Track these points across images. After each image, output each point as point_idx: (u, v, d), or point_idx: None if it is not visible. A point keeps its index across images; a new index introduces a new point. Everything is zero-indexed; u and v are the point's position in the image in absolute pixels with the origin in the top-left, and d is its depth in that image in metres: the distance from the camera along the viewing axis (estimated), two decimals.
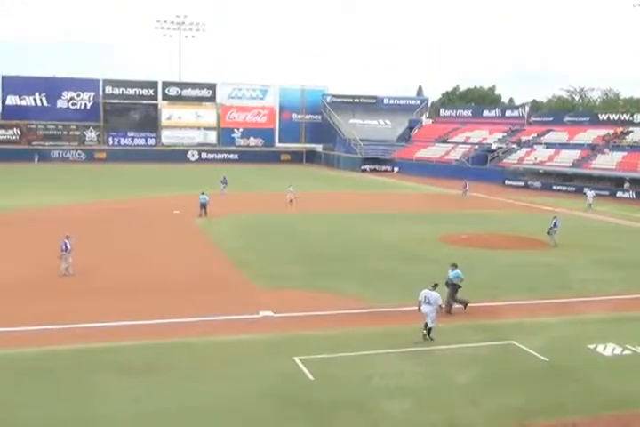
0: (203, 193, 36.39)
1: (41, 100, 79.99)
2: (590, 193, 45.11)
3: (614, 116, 66.79)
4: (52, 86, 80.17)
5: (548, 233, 29.45)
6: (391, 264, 24.36)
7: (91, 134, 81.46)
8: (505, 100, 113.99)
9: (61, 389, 12.72)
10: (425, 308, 15.85)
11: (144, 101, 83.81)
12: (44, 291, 19.87)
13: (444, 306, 17.47)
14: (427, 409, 12.21)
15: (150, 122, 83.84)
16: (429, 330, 15.80)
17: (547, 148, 65.57)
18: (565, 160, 61.42)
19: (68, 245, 21.40)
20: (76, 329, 16.29)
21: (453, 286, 18.14)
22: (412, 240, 29.68)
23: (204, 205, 35.89)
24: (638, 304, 20.05)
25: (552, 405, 12.50)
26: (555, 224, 29.44)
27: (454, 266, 18.42)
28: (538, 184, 58.83)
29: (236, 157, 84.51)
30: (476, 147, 71.81)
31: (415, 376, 13.61)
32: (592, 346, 15.70)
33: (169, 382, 13.11)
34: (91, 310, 17.88)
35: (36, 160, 73.10)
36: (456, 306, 18.31)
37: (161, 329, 16.48)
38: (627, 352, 15.45)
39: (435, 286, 16.10)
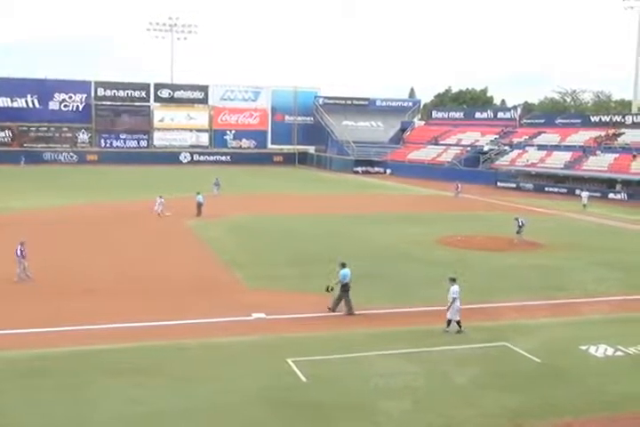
0: (198, 193, 37.57)
1: (32, 101, 79.53)
2: (585, 194, 45.52)
3: (606, 118, 66.94)
4: (43, 88, 79.69)
5: (518, 233, 29.91)
6: (385, 266, 24.33)
7: (82, 136, 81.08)
8: (497, 101, 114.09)
9: (57, 391, 12.68)
10: (459, 302, 16.64)
11: (136, 103, 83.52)
12: (35, 293, 19.76)
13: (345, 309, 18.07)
14: (421, 410, 12.21)
15: (142, 124, 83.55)
16: (458, 322, 16.58)
17: (538, 149, 65.67)
18: (557, 162, 61.58)
19: (22, 251, 20.90)
20: (69, 331, 16.23)
21: (344, 287, 18.07)
22: (406, 242, 29.70)
23: (200, 205, 36.75)
24: (631, 305, 20.11)
25: (545, 406, 12.53)
26: (521, 224, 29.96)
27: (342, 265, 18.34)
28: (530, 186, 58.97)
29: (228, 158, 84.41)
30: (468, 149, 71.93)
31: (409, 377, 13.59)
32: (584, 347, 15.76)
33: (163, 383, 13.09)
34: (84, 312, 17.80)
35: (22, 162, 71.05)
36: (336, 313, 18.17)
37: (154, 331, 16.45)
38: (618, 353, 15.50)
39: (454, 280, 16.80)
